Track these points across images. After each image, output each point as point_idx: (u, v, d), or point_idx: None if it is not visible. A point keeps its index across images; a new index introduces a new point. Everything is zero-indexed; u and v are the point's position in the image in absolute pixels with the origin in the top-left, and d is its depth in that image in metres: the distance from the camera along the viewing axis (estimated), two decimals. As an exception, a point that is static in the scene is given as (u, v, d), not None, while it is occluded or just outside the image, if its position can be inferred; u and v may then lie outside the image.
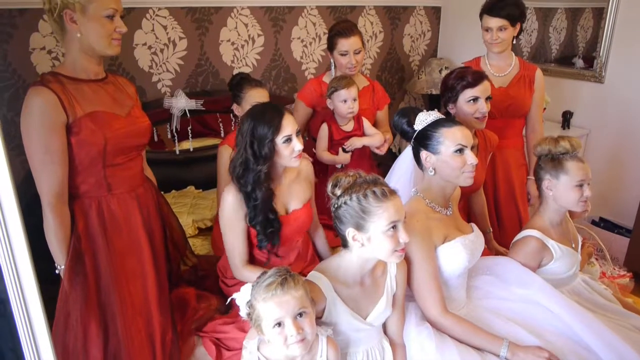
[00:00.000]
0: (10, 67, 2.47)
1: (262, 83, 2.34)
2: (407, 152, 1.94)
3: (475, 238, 1.75)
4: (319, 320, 1.47)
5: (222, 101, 3.00)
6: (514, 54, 2.60)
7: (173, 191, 2.88)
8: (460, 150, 1.66)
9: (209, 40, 3.06)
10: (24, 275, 1.17)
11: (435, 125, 1.70)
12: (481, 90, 2.08)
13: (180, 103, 2.84)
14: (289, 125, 1.70)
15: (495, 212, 2.63)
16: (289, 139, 1.71)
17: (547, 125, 3.36)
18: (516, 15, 2.47)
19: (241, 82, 2.28)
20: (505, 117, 2.54)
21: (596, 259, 2.98)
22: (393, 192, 1.43)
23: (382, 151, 2.48)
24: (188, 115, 2.89)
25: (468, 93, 2.07)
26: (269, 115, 1.69)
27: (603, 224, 3.29)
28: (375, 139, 2.45)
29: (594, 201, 1.88)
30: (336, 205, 1.44)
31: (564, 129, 3.33)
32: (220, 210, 1.77)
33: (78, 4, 1.49)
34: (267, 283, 1.33)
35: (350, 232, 1.43)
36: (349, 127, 2.44)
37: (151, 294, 1.70)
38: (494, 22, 2.42)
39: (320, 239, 2.10)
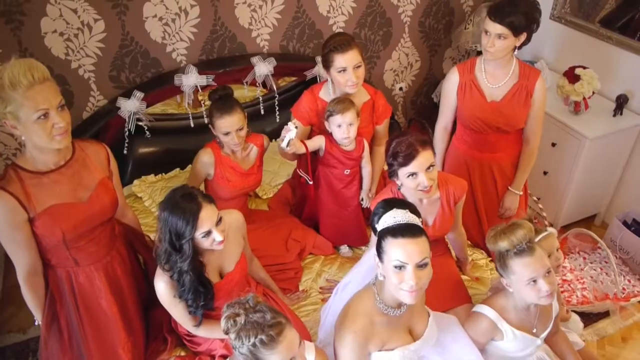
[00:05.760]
0: None
1: (234, 107, 2.15)
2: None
3: (420, 346, 1.69)
4: None
5: (233, 73, 2.94)
6: (515, 60, 2.27)
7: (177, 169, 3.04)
8: (400, 267, 1.50)
9: (223, 4, 2.88)
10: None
11: (388, 230, 1.53)
12: (417, 165, 1.85)
13: (191, 80, 2.83)
14: (207, 219, 1.64)
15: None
16: (208, 233, 1.66)
17: (595, 111, 2.94)
18: (521, 25, 2.12)
19: (211, 108, 2.19)
20: (497, 133, 2.36)
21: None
22: (281, 331, 1.36)
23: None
24: (200, 90, 2.89)
25: (404, 170, 1.87)
26: (184, 210, 1.61)
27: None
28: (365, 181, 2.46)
29: None
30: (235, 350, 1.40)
31: (614, 116, 2.90)
32: (157, 295, 1.79)
33: (10, 114, 1.49)
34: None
35: None
36: (349, 147, 2.30)
37: (125, 357, 1.89)
38: (494, 27, 2.13)
39: (265, 279, 2.18)
